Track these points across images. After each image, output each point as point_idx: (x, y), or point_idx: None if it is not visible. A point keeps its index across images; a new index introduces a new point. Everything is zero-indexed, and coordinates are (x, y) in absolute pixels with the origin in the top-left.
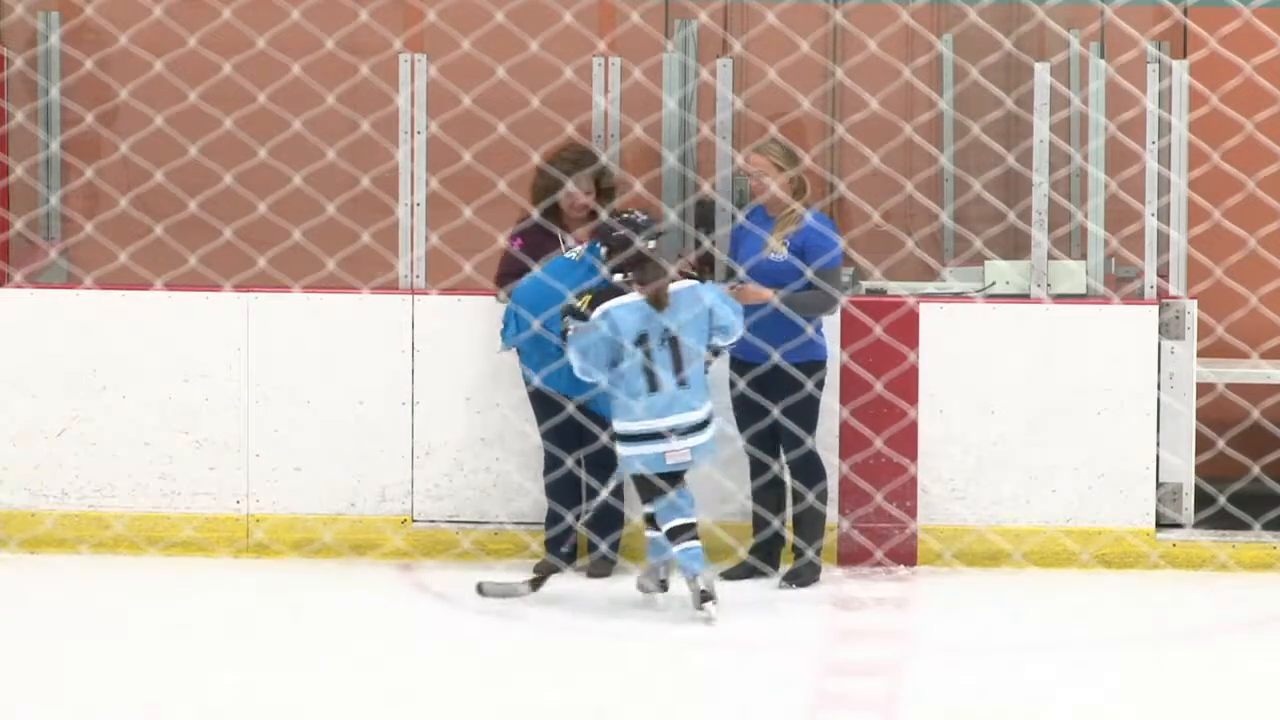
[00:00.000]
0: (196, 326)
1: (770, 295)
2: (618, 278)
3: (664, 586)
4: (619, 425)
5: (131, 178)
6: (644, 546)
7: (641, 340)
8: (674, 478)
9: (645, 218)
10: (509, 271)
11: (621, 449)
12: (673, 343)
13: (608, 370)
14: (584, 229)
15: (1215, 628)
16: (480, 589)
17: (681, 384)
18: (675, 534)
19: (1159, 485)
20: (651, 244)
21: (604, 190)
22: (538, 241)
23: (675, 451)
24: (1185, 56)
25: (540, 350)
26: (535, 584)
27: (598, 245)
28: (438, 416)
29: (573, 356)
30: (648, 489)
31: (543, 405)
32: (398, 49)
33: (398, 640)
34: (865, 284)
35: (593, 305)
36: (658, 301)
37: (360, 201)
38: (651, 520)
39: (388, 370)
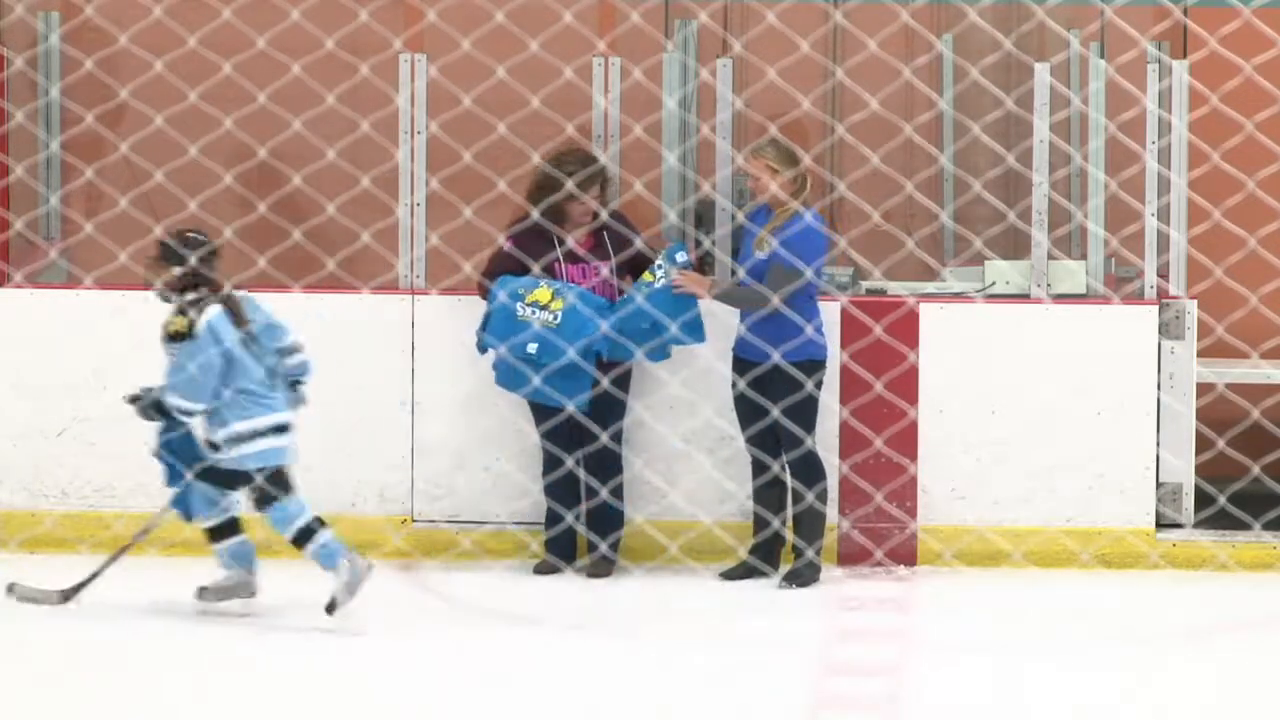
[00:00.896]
0: None
1: (706, 286)
2: (190, 295)
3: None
4: (242, 425)
5: (132, 178)
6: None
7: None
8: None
9: (199, 236)
10: (495, 270)
11: (246, 447)
12: (257, 344)
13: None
14: (582, 231)
15: (1215, 628)
16: (9, 589)
17: (274, 381)
18: (309, 533)
19: (1159, 485)
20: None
21: (606, 196)
22: (532, 243)
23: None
24: (1185, 56)
25: (516, 367)
26: (66, 595)
27: (675, 250)
28: (438, 416)
29: (176, 397)
30: (240, 482)
31: (540, 407)
32: (398, 49)
33: (398, 640)
34: (865, 284)
35: (190, 327)
36: (233, 307)
37: (360, 201)
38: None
39: (388, 370)
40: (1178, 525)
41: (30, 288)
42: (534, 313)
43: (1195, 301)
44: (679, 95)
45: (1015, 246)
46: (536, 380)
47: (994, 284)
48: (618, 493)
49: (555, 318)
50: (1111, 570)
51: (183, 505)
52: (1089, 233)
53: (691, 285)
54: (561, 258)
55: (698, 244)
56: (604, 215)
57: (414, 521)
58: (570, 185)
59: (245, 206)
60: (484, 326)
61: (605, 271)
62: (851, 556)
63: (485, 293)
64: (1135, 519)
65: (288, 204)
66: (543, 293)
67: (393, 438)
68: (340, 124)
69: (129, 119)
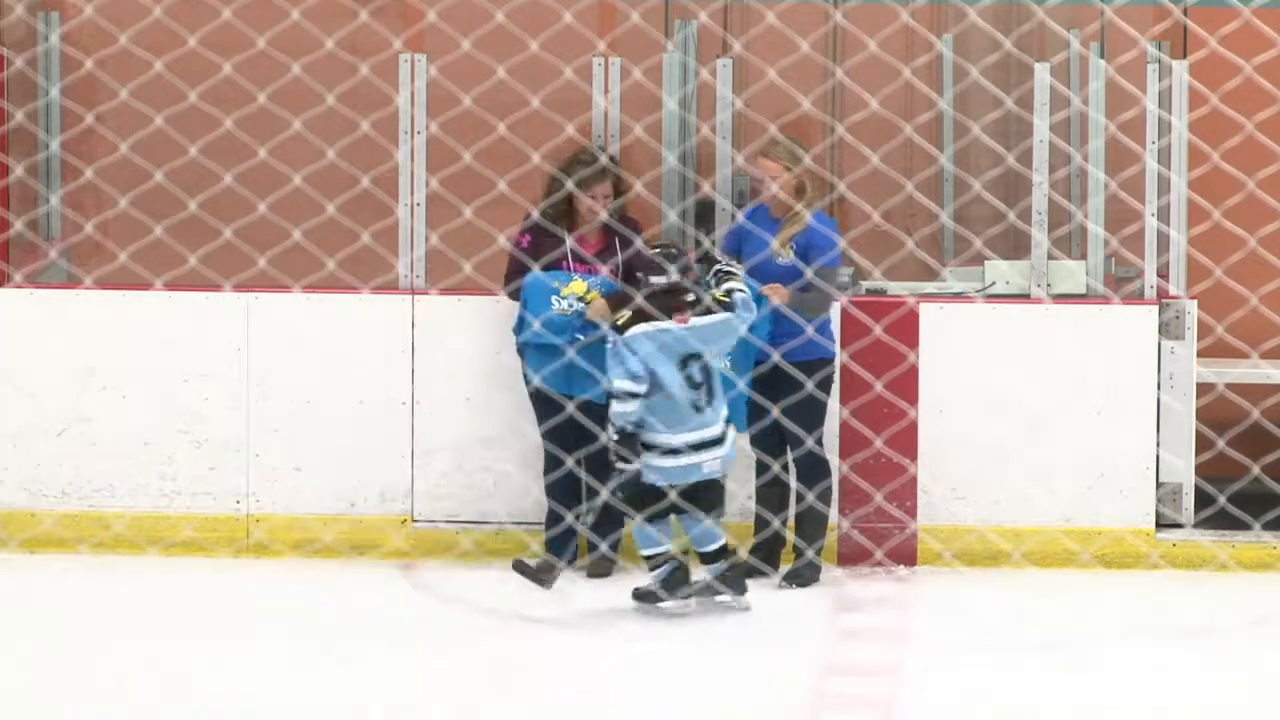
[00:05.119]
0: (196, 326)
1: (785, 295)
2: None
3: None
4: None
5: (131, 177)
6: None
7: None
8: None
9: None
10: (513, 271)
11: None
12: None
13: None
14: (591, 230)
15: (1215, 628)
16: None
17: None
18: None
19: (1159, 485)
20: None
21: (619, 194)
22: (544, 241)
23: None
24: (1185, 56)
25: (541, 350)
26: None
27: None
28: (438, 416)
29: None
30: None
31: (543, 405)
32: (398, 49)
33: (398, 640)
34: (865, 284)
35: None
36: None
37: (360, 201)
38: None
39: (388, 370)
40: (1178, 525)
41: (30, 288)
42: (571, 305)
43: (1195, 301)
44: (679, 95)
45: (1015, 246)
46: (571, 352)
47: (994, 284)
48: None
49: None
50: (1111, 570)
51: None
52: (1089, 233)
53: (776, 296)
54: (569, 257)
55: (697, 244)
56: (604, 215)
57: (414, 521)
58: (570, 184)
59: (245, 206)
60: (520, 329)
61: (606, 272)
62: (851, 556)
63: (515, 294)
64: (1135, 519)
65: (288, 204)
66: (578, 285)
67: (393, 438)
68: (340, 124)
69: (123, 118)
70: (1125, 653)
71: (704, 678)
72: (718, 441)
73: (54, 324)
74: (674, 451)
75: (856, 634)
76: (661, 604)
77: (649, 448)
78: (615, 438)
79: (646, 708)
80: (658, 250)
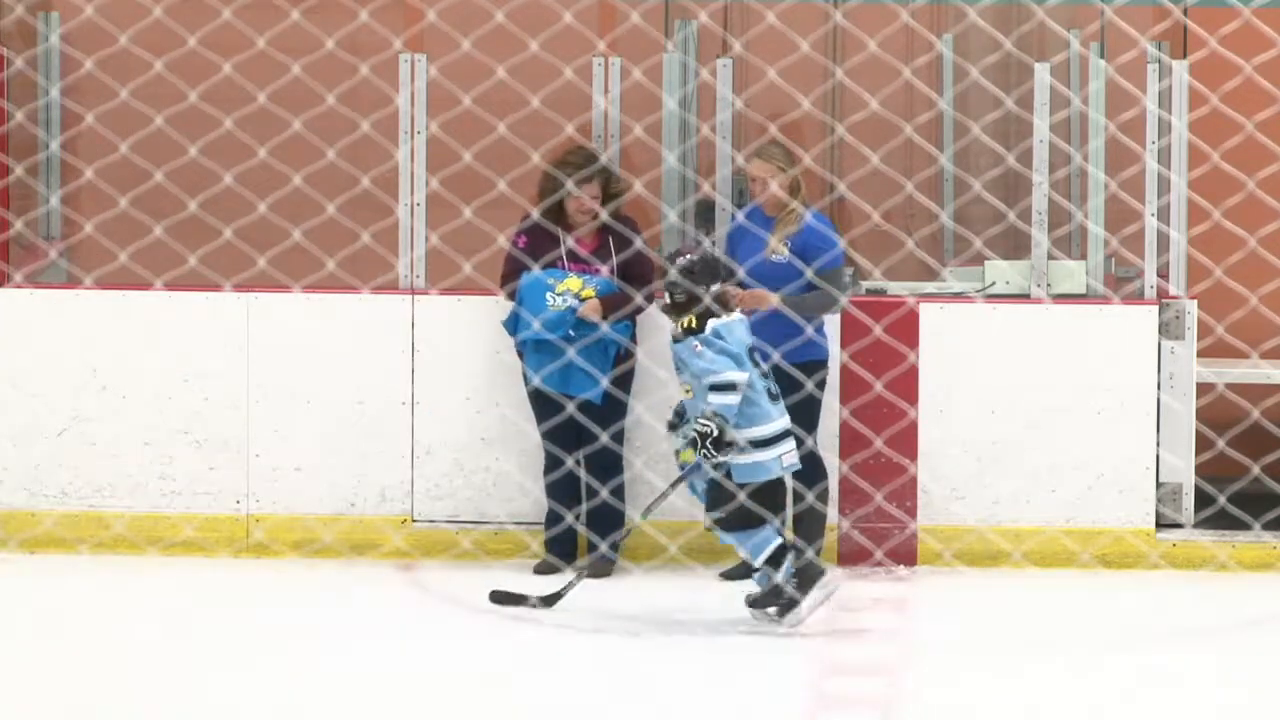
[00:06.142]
0: (196, 326)
1: (774, 299)
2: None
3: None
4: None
5: (131, 177)
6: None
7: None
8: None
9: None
10: (510, 271)
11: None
12: None
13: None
14: (587, 230)
15: (1215, 628)
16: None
17: None
18: None
19: (1159, 485)
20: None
21: (611, 194)
22: (540, 241)
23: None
24: (1185, 56)
25: (540, 350)
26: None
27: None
28: (438, 416)
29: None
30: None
31: (542, 405)
32: (398, 49)
33: (398, 640)
34: (865, 284)
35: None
36: None
37: (360, 201)
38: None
39: (388, 370)
40: (1178, 525)
41: (30, 288)
42: (566, 301)
43: (1195, 301)
44: (679, 95)
45: (1015, 246)
46: (571, 352)
47: (994, 284)
48: (618, 493)
49: None
50: (1111, 570)
51: None
52: (1089, 233)
53: (755, 301)
54: (565, 257)
55: (697, 244)
56: (604, 215)
57: (414, 521)
58: (570, 185)
59: (245, 206)
60: (515, 327)
61: (605, 273)
62: (851, 556)
63: (512, 294)
64: (1135, 519)
65: (288, 204)
66: (573, 282)
67: (393, 438)
68: (340, 124)
69: (124, 119)
70: (1125, 653)
71: (704, 677)
72: (789, 433)
73: (54, 324)
74: (759, 445)
75: (856, 634)
76: (805, 604)
77: (732, 445)
78: (714, 434)
79: (647, 708)
80: (684, 253)
